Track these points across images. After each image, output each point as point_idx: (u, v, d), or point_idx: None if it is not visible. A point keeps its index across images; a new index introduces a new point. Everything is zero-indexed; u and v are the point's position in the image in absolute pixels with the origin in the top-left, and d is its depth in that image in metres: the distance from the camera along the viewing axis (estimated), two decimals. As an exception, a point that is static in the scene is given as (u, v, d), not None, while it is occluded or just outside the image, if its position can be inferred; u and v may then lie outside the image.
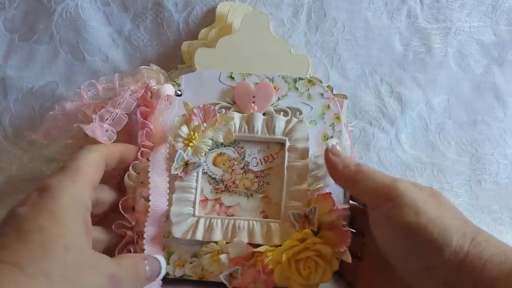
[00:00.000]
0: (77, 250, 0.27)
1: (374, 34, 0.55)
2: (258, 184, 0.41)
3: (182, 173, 0.39)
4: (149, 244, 0.38)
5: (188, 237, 0.39)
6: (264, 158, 0.42)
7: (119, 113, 0.40)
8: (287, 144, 0.41)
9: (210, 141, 0.40)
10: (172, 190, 0.40)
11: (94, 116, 0.39)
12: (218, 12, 0.49)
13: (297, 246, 0.37)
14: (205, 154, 0.40)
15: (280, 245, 0.38)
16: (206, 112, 0.40)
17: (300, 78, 0.43)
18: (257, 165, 0.42)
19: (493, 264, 0.28)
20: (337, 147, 0.38)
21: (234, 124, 0.41)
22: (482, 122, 0.58)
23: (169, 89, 0.41)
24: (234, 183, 0.41)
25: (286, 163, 0.41)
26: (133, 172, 0.40)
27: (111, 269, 0.29)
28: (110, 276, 0.28)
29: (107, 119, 0.39)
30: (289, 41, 0.53)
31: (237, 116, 0.41)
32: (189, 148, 0.39)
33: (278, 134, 0.41)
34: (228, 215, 0.40)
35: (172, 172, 0.39)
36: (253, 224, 0.39)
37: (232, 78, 0.42)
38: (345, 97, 0.45)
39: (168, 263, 0.39)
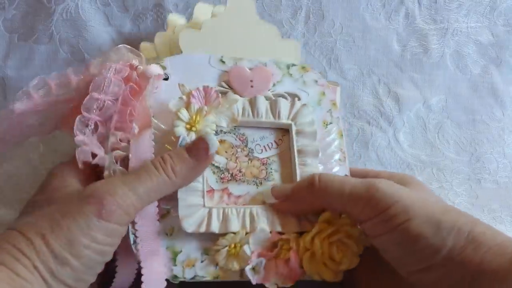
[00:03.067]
0: (62, 204, 0.30)
1: (372, 35, 0.57)
2: (266, 172, 0.39)
3: None
4: (144, 247, 0.34)
5: (202, 230, 0.34)
6: (268, 145, 0.40)
7: (106, 100, 0.35)
8: (294, 128, 0.40)
9: (215, 125, 0.37)
10: None
11: (79, 121, 0.34)
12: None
13: (326, 229, 0.35)
14: None
15: (299, 232, 0.36)
16: (207, 94, 0.37)
17: (293, 64, 0.42)
18: (261, 152, 0.40)
19: (491, 257, 0.29)
20: (274, 191, 0.37)
21: (237, 108, 0.39)
22: (480, 121, 0.60)
23: (157, 69, 0.37)
24: (240, 171, 0.39)
25: (296, 148, 0.39)
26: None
27: (87, 192, 0.31)
28: (87, 198, 0.30)
29: (95, 109, 0.34)
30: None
31: (240, 100, 0.39)
32: (192, 133, 0.36)
33: (283, 118, 0.40)
34: (238, 205, 0.37)
35: None
36: (272, 212, 0.36)
37: (223, 62, 0.40)
38: (337, 84, 0.45)
39: (175, 264, 0.35)
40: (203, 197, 0.36)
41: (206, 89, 0.37)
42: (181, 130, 0.36)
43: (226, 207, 0.36)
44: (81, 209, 0.29)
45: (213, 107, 0.38)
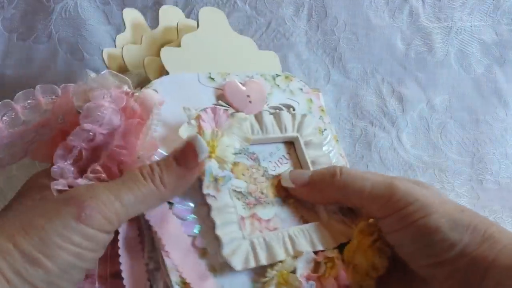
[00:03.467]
0: (38, 206, 0.29)
1: (376, 33, 0.57)
2: (286, 189, 0.37)
3: (214, 191, 0.33)
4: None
5: (252, 265, 0.31)
6: (279, 160, 0.38)
7: (99, 132, 0.30)
8: (301, 140, 0.39)
9: (233, 148, 0.34)
10: (199, 213, 0.33)
11: (63, 147, 0.31)
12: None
13: (364, 239, 0.34)
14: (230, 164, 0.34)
15: (336, 247, 0.35)
16: (216, 116, 0.34)
17: (278, 75, 0.41)
18: (275, 169, 0.38)
19: (506, 254, 0.29)
20: (292, 175, 0.37)
21: (247, 127, 0.37)
22: (483, 122, 0.60)
23: (156, 96, 0.33)
24: (262, 193, 0.36)
25: (308, 159, 0.38)
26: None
27: (69, 193, 0.29)
28: (67, 200, 0.28)
29: (83, 140, 0.30)
30: (290, 40, 0.54)
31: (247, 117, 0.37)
32: (213, 161, 0.33)
33: (289, 131, 0.38)
34: (270, 230, 0.35)
35: (205, 192, 0.33)
36: (307, 231, 0.35)
37: (211, 79, 0.38)
38: (318, 90, 0.44)
39: None
40: (240, 228, 0.33)
41: (214, 109, 0.35)
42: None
43: (266, 235, 0.33)
44: (59, 210, 0.27)
45: (225, 129, 0.35)
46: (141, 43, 0.42)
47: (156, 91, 0.34)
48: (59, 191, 0.29)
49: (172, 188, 0.30)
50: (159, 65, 0.37)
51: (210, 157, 0.33)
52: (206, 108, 0.35)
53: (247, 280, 0.32)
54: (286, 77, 0.41)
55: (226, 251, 0.31)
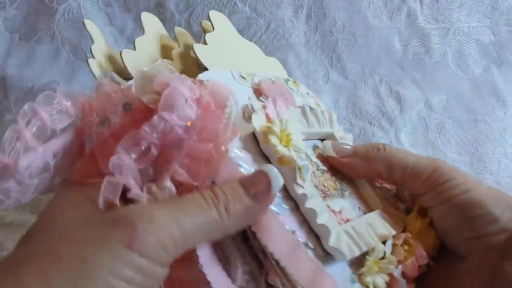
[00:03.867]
0: (73, 228, 0.23)
1: (374, 34, 0.57)
2: (338, 183, 0.35)
3: (301, 180, 0.30)
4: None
5: (356, 253, 0.30)
6: (318, 156, 0.36)
7: (178, 125, 0.25)
8: (337, 135, 0.38)
9: (302, 137, 0.32)
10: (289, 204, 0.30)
11: (131, 137, 0.25)
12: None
13: (425, 220, 0.35)
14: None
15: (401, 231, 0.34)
16: (277, 107, 0.32)
17: (288, 79, 0.40)
18: (322, 164, 0.36)
19: None
20: (335, 145, 0.36)
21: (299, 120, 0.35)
22: (482, 121, 0.60)
23: (223, 84, 0.29)
24: (324, 186, 0.34)
25: None
26: None
27: (115, 215, 0.24)
28: (114, 220, 0.23)
29: (157, 133, 0.25)
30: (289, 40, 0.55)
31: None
32: (290, 150, 0.30)
33: (326, 126, 0.37)
34: (345, 221, 0.32)
35: (297, 183, 0.29)
36: (378, 218, 0.33)
37: (243, 77, 0.35)
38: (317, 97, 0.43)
39: None
40: (332, 217, 0.30)
41: (274, 101, 0.32)
42: (281, 150, 0.29)
43: (352, 223, 0.31)
44: (103, 234, 0.22)
45: (288, 119, 0.32)
46: (134, 48, 0.39)
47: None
48: (109, 205, 0.24)
49: (236, 220, 0.26)
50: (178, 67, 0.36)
51: (286, 146, 0.30)
52: (269, 95, 0.33)
53: (348, 271, 0.30)
54: (294, 82, 0.40)
55: (332, 241, 0.28)
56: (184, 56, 0.37)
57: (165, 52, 0.39)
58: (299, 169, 0.29)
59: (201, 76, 0.31)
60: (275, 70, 0.42)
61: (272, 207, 0.28)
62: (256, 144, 0.30)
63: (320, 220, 0.28)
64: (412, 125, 0.59)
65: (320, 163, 0.35)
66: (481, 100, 0.60)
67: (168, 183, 0.24)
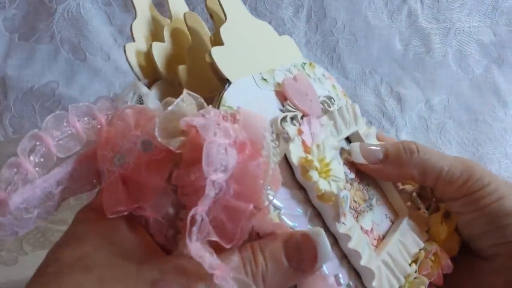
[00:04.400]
0: (102, 266, 0.22)
1: (374, 33, 0.57)
2: (365, 191, 0.34)
3: (343, 217, 0.28)
4: None
5: (396, 287, 0.30)
6: (346, 160, 0.34)
7: (224, 181, 0.22)
8: (361, 133, 0.36)
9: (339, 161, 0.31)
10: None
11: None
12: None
13: (451, 223, 0.35)
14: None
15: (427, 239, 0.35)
16: (312, 126, 0.30)
17: (304, 63, 0.36)
18: (350, 171, 0.33)
19: None
20: (364, 150, 0.33)
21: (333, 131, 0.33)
22: (482, 121, 0.60)
23: (255, 114, 0.25)
24: (355, 201, 0.32)
25: None
26: None
27: (153, 276, 0.22)
28: (152, 283, 0.21)
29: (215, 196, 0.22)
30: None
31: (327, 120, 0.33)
32: (330, 182, 0.28)
33: (352, 126, 0.35)
34: (377, 240, 0.32)
35: (341, 222, 0.28)
36: (408, 231, 0.34)
37: (265, 80, 0.32)
38: (314, 65, 0.39)
39: None
40: (371, 249, 0.30)
41: (309, 120, 0.30)
42: (323, 185, 0.27)
43: (388, 250, 0.31)
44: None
45: (323, 140, 0.30)
46: (162, 38, 0.35)
47: (232, 108, 0.27)
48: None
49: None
50: (191, 70, 0.32)
51: (325, 178, 0.28)
52: (301, 116, 0.30)
53: None
54: (311, 65, 0.37)
55: (375, 283, 0.28)
56: (194, 50, 0.33)
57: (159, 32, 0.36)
58: (341, 204, 0.27)
59: (228, 98, 0.27)
60: (290, 52, 0.38)
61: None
62: (291, 172, 0.28)
63: (363, 261, 0.28)
64: (412, 125, 0.59)
65: (348, 170, 0.33)
66: (481, 100, 0.60)
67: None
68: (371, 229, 0.32)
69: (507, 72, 0.60)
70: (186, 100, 0.24)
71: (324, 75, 0.38)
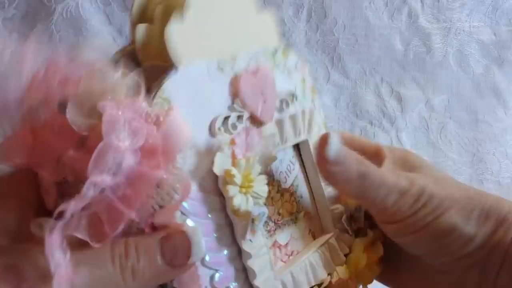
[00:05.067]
0: None
1: (375, 33, 0.57)
2: (296, 202, 0.33)
3: (251, 234, 0.28)
4: None
5: None
6: (288, 168, 0.33)
7: (109, 185, 0.22)
8: (310, 142, 0.34)
9: (265, 176, 0.29)
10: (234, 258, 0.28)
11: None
12: None
13: (371, 255, 0.34)
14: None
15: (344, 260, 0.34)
16: (249, 137, 0.29)
17: (276, 50, 0.33)
18: (286, 180, 0.33)
19: None
20: (336, 152, 0.30)
21: (272, 140, 0.31)
22: (483, 121, 0.60)
23: (183, 124, 0.24)
24: (279, 214, 0.32)
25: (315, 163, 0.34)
26: None
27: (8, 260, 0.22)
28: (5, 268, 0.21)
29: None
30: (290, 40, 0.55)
31: (271, 129, 0.31)
32: (249, 198, 0.28)
33: (302, 135, 0.33)
34: (289, 255, 0.32)
35: (247, 238, 0.28)
36: (323, 252, 0.33)
37: (221, 69, 0.29)
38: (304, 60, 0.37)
39: None
40: (272, 268, 0.29)
41: (247, 131, 0.29)
42: (239, 201, 0.27)
43: (292, 270, 0.30)
44: None
45: (256, 153, 0.29)
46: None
47: (168, 101, 0.25)
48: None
49: (141, 283, 0.24)
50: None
51: (245, 193, 0.27)
52: (240, 130, 0.29)
53: None
54: (284, 52, 0.34)
55: None
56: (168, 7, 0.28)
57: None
58: (253, 221, 0.27)
59: (168, 89, 0.25)
60: (265, 34, 0.33)
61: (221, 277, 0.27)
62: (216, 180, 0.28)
63: (257, 281, 0.28)
64: (413, 125, 0.59)
65: (283, 181, 0.32)
66: (482, 100, 0.60)
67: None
68: (286, 243, 0.32)
69: (507, 72, 0.60)
70: (118, 79, 0.22)
71: (296, 65, 0.34)
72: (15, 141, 0.22)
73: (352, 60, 0.58)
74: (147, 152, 0.22)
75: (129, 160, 0.21)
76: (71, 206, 0.20)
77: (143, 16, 0.29)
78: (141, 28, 0.27)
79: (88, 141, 0.21)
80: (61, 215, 0.20)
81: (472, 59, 0.60)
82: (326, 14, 0.57)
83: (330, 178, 0.31)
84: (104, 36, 0.54)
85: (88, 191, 0.20)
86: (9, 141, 0.22)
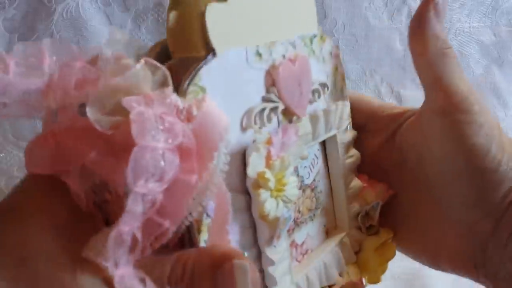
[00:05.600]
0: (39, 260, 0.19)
1: (375, 34, 0.57)
2: (315, 198, 0.32)
3: (276, 240, 0.26)
4: None
5: None
6: (312, 163, 0.32)
7: (159, 192, 0.19)
8: (339, 138, 0.32)
9: (296, 178, 0.28)
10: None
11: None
12: None
13: (382, 257, 0.35)
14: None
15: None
16: (286, 136, 0.27)
17: (315, 35, 0.31)
18: (309, 176, 0.31)
19: None
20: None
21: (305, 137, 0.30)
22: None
23: (220, 113, 0.21)
24: (299, 211, 0.30)
25: (341, 160, 0.33)
26: None
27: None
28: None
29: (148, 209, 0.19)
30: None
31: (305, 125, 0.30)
32: (279, 202, 0.26)
33: (333, 130, 0.32)
34: (303, 254, 0.31)
35: (272, 245, 0.27)
36: (336, 251, 0.32)
37: (259, 55, 0.27)
38: (330, 38, 0.34)
39: None
40: (290, 272, 0.28)
41: (285, 129, 0.27)
42: (271, 205, 0.25)
43: (308, 272, 0.30)
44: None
45: (291, 153, 0.27)
46: None
47: (203, 89, 0.22)
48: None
49: None
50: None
51: (276, 197, 0.26)
52: (274, 125, 0.27)
53: None
54: (321, 38, 0.32)
55: None
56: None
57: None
58: (279, 225, 0.26)
59: (205, 75, 0.22)
60: (305, 18, 0.31)
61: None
62: (242, 170, 0.25)
63: None
64: (413, 126, 0.59)
65: (305, 176, 0.31)
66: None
67: None
68: (302, 243, 0.31)
69: (507, 72, 0.60)
70: (141, 72, 0.19)
71: (331, 52, 0.33)
72: (37, 148, 0.20)
73: (352, 61, 0.58)
74: (182, 153, 0.19)
75: (172, 163, 0.18)
76: (124, 229, 0.17)
77: (176, 2, 0.26)
78: (174, 14, 0.24)
79: (114, 141, 0.19)
80: (119, 244, 0.18)
81: (472, 59, 0.60)
82: (326, 14, 0.57)
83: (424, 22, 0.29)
84: (104, 37, 0.54)
85: (136, 206, 0.18)
86: (31, 150, 0.20)
